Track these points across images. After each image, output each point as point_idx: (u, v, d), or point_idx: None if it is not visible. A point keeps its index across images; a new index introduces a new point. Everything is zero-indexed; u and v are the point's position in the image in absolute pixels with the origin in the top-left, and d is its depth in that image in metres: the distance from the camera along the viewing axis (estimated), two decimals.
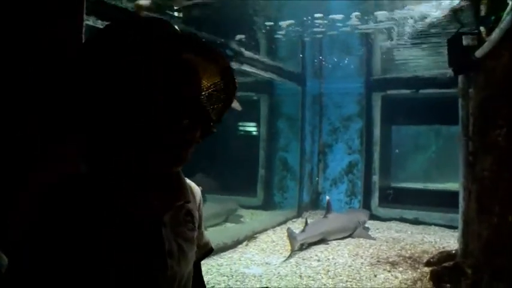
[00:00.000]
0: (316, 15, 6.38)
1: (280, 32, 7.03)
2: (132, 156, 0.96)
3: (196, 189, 1.21)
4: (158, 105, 0.94)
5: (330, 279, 5.08)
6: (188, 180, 1.18)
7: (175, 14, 5.98)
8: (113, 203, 0.93)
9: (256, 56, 7.09)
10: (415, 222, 8.18)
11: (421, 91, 8.30)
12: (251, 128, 10.77)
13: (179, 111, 0.96)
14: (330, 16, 6.39)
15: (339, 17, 6.37)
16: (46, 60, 1.30)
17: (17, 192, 1.08)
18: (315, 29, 7.18)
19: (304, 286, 4.87)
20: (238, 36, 6.50)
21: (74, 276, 0.86)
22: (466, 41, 4.50)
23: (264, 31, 7.07)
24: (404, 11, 6.20)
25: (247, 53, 6.64)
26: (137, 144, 0.95)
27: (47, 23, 1.34)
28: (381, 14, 6.25)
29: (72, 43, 1.30)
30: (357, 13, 6.38)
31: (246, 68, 6.64)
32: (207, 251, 1.28)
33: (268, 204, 9.21)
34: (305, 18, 6.51)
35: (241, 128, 10.86)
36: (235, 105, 7.30)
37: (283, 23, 6.68)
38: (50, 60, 1.29)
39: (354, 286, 4.89)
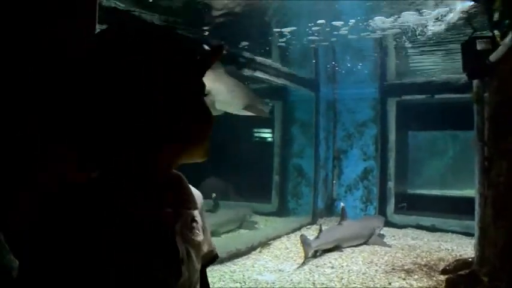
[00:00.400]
0: (319, 21, 6.34)
1: (281, 40, 6.95)
2: (132, 156, 0.97)
3: (198, 194, 1.21)
4: (158, 105, 0.95)
5: (344, 287, 5.03)
6: (190, 186, 1.20)
7: None
8: (112, 203, 0.93)
9: (269, 62, 7.09)
10: (432, 229, 8.05)
11: (436, 96, 8.22)
12: (265, 134, 10.78)
13: (179, 111, 0.98)
14: (333, 22, 6.33)
15: (338, 23, 6.31)
16: (46, 60, 1.31)
17: (17, 192, 1.09)
18: (312, 37, 7.10)
19: None
20: (243, 43, 6.46)
21: (75, 277, 0.86)
22: (480, 45, 4.45)
23: (270, 38, 7.03)
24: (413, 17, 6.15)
25: (260, 60, 6.66)
26: (137, 144, 0.96)
27: (48, 23, 1.35)
28: (378, 19, 6.19)
29: (74, 44, 1.31)
30: (352, 20, 6.31)
31: (258, 74, 6.66)
32: (212, 258, 1.28)
33: (282, 211, 9.18)
34: (310, 24, 6.46)
35: (255, 134, 10.88)
36: (262, 112, 7.30)
37: (286, 30, 6.62)
38: (51, 60, 1.30)
39: None
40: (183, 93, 0.99)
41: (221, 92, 6.23)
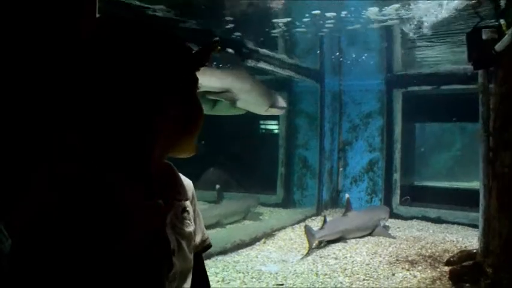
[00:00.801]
0: (314, 12, 6.21)
1: (274, 31, 6.81)
2: (127, 149, 0.98)
3: (189, 184, 1.22)
4: (152, 99, 0.96)
5: (347, 278, 5.03)
6: (180, 175, 1.20)
7: None
8: (107, 195, 0.93)
9: (273, 54, 7.05)
10: (438, 221, 8.03)
11: (443, 87, 8.14)
12: (270, 126, 10.77)
13: (173, 104, 0.99)
14: (326, 14, 6.21)
15: (330, 14, 6.20)
16: (47, 55, 1.31)
17: (16, 192, 1.09)
18: (299, 29, 6.97)
19: (320, 284, 4.83)
20: (236, 33, 6.39)
21: (77, 274, 0.85)
22: (485, 34, 4.39)
23: (267, 29, 6.90)
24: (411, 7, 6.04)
25: (263, 51, 6.63)
26: (132, 137, 0.97)
27: (48, 17, 1.35)
28: (371, 10, 6.07)
29: (74, 35, 1.31)
30: (344, 12, 6.19)
31: (262, 65, 6.63)
32: (206, 247, 1.28)
33: (287, 202, 9.20)
34: (307, 15, 6.35)
35: (260, 126, 10.87)
36: (283, 109, 7.35)
37: (280, 21, 6.49)
38: (51, 54, 1.30)
39: (371, 285, 4.83)
40: (176, 88, 1.00)
41: (244, 91, 6.35)
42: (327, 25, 6.70)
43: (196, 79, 1.07)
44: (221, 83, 6.09)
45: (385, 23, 6.58)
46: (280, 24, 6.62)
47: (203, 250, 1.27)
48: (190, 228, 1.13)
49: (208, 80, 5.98)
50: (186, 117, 1.04)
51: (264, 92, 6.84)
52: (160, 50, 0.98)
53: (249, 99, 6.49)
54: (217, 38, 1.06)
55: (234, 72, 6.34)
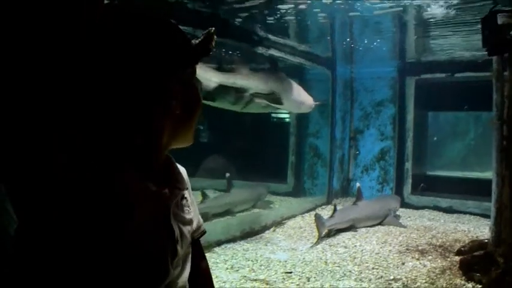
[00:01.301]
0: None
1: (270, 18, 6.62)
2: (131, 143, 0.99)
3: (184, 171, 1.24)
4: (159, 94, 0.99)
5: (356, 266, 5.01)
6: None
7: None
8: (116, 186, 0.94)
9: (284, 40, 6.98)
10: (449, 210, 7.96)
11: (457, 75, 8.00)
12: (281, 114, 10.72)
13: (174, 96, 1.01)
14: (323, 0, 6.00)
15: (327, 1, 6.00)
16: (48, 51, 1.30)
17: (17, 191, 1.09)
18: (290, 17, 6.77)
19: (329, 272, 4.82)
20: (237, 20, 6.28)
21: (83, 263, 0.86)
22: (501, 19, 4.28)
23: (275, 15, 6.71)
24: None
25: (274, 38, 6.57)
26: (139, 130, 0.99)
27: (49, 14, 1.34)
28: None
29: (75, 33, 1.30)
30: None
31: (273, 52, 6.57)
32: (201, 232, 1.30)
33: (298, 191, 9.19)
34: (309, 1, 6.14)
35: (271, 114, 10.82)
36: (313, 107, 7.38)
37: (283, 7, 6.30)
38: (52, 51, 1.29)
39: (380, 273, 4.80)
40: (177, 81, 1.02)
41: (285, 92, 6.59)
42: (320, 14, 6.53)
43: (195, 70, 1.10)
44: (267, 86, 6.30)
45: (391, 9, 6.39)
46: (282, 11, 6.44)
47: (200, 236, 1.29)
48: (190, 216, 1.16)
49: (257, 83, 6.19)
50: (186, 108, 1.06)
51: (297, 90, 6.97)
52: (162, 43, 1.00)
53: (288, 99, 6.67)
54: (213, 28, 1.06)
55: (275, 74, 6.63)
